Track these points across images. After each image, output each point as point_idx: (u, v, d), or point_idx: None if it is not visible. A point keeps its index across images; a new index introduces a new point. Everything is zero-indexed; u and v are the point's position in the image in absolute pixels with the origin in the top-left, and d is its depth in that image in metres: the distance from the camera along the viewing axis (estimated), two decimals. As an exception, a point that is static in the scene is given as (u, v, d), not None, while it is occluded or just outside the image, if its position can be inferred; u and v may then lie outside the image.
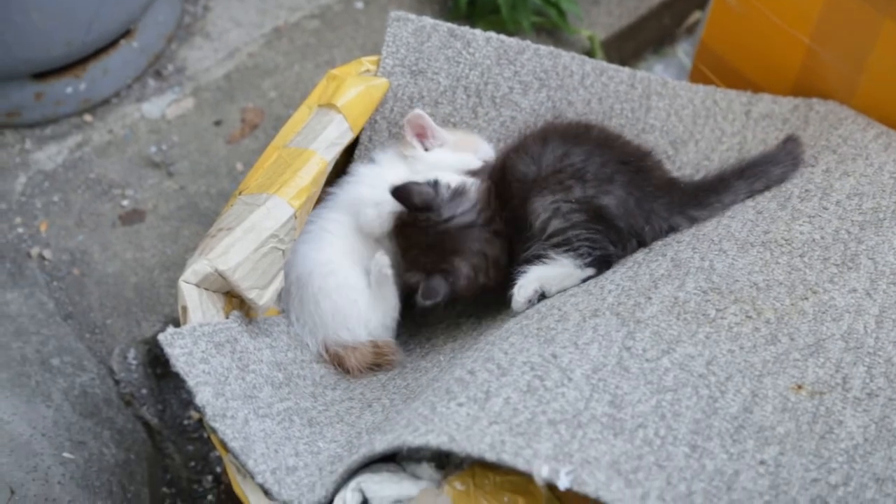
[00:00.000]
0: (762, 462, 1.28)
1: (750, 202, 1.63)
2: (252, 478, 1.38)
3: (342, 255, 1.69)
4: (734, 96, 1.89)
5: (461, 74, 1.76)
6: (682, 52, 2.55)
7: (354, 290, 1.67)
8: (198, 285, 1.51)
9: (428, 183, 1.63)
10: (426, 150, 1.73)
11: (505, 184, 1.65)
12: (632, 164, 1.67)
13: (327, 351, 1.66)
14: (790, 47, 1.85)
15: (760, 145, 1.83)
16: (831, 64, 1.80)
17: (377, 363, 1.67)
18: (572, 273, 1.61)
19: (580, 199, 1.60)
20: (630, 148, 1.72)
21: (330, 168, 1.64)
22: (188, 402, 1.97)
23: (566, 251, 1.61)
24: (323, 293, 1.65)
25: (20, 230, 2.05)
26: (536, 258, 1.62)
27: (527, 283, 1.60)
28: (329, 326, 1.66)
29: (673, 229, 1.66)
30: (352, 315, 1.66)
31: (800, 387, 1.37)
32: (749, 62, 1.94)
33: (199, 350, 1.45)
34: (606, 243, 1.62)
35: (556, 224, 1.61)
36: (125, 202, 2.11)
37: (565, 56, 1.80)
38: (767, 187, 1.70)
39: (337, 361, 1.66)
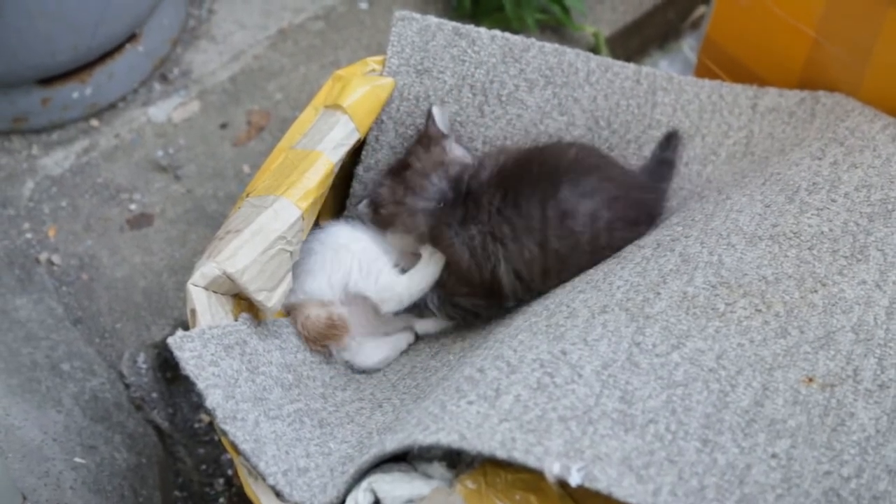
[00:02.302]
0: (774, 455, 1.28)
1: (758, 196, 1.63)
2: (263, 480, 1.38)
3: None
4: (740, 90, 1.88)
5: (467, 73, 1.76)
6: (688, 47, 2.54)
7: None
8: (206, 288, 1.51)
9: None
10: None
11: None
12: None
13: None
14: (795, 40, 1.85)
15: (767, 139, 1.83)
16: (837, 56, 1.80)
17: (327, 335, 1.67)
18: None
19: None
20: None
21: (337, 169, 1.64)
22: (198, 405, 1.97)
23: None
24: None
25: (28, 236, 2.06)
26: None
27: None
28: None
29: None
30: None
31: (811, 379, 1.37)
32: (754, 56, 1.94)
33: (208, 353, 1.45)
34: None
35: None
36: (133, 206, 2.11)
37: (570, 53, 1.80)
38: None
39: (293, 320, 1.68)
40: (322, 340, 1.65)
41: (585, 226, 1.61)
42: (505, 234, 1.62)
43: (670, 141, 1.84)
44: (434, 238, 1.67)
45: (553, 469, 1.21)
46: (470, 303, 1.69)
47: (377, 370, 1.72)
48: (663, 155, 1.83)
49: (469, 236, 1.64)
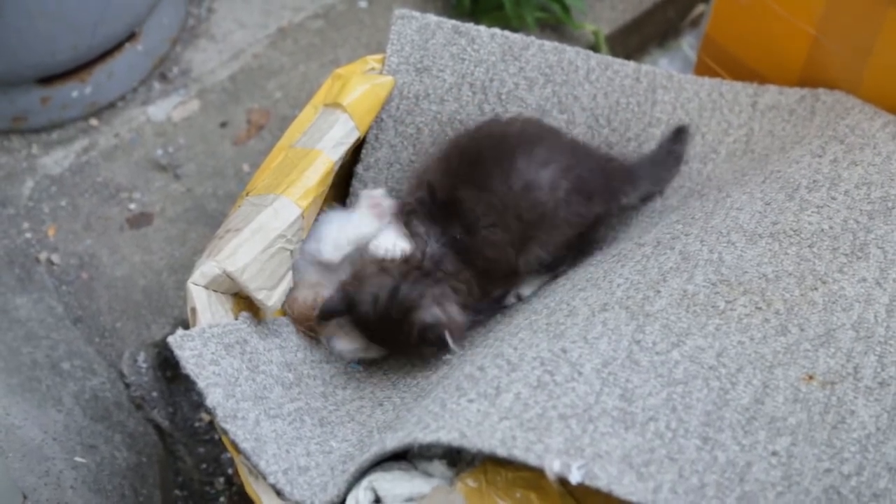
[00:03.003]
0: (774, 453, 1.28)
1: (758, 193, 1.63)
2: (264, 478, 1.38)
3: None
4: (740, 88, 1.88)
5: (466, 71, 1.76)
6: (687, 45, 2.54)
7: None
8: (206, 287, 1.51)
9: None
10: None
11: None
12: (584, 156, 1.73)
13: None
14: (795, 38, 1.84)
15: (767, 137, 1.83)
16: (837, 54, 1.80)
17: (310, 317, 1.66)
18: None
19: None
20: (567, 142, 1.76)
21: (337, 167, 1.64)
22: (198, 404, 1.97)
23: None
24: None
25: (28, 235, 2.06)
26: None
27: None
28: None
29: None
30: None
31: (811, 377, 1.37)
32: (754, 54, 1.94)
33: (208, 352, 1.45)
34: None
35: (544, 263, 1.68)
36: (132, 205, 2.11)
37: (570, 51, 1.80)
38: (660, 189, 1.83)
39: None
40: (305, 322, 1.65)
41: (549, 196, 1.63)
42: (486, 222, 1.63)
43: (679, 135, 1.85)
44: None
45: (553, 467, 1.21)
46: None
47: (352, 358, 1.71)
48: (672, 147, 1.84)
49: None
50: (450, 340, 1.54)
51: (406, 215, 1.66)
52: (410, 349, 1.60)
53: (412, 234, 1.64)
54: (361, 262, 1.63)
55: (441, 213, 1.64)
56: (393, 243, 1.62)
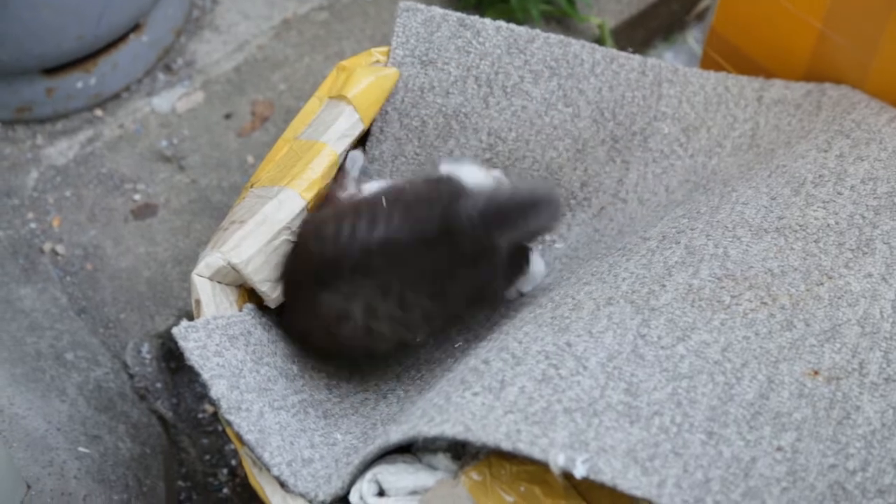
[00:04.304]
0: (779, 448, 1.28)
1: (764, 188, 1.63)
2: (268, 470, 1.38)
3: None
4: (746, 82, 1.88)
5: (471, 64, 1.75)
6: (693, 38, 2.54)
7: None
8: (211, 278, 1.51)
9: None
10: None
11: None
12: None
13: None
14: (802, 32, 1.84)
15: (773, 131, 1.82)
16: (843, 48, 1.80)
17: None
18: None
19: None
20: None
21: (341, 160, 1.64)
22: (202, 395, 1.97)
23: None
24: None
25: (33, 225, 2.06)
26: None
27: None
28: None
29: None
30: None
31: (816, 372, 1.37)
32: (760, 48, 1.94)
33: (213, 343, 1.45)
34: None
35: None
36: (137, 196, 2.11)
37: (575, 44, 1.80)
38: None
39: None
40: None
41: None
42: None
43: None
44: None
45: (558, 461, 1.21)
46: None
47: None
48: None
49: None
50: None
51: None
52: None
53: None
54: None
55: None
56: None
